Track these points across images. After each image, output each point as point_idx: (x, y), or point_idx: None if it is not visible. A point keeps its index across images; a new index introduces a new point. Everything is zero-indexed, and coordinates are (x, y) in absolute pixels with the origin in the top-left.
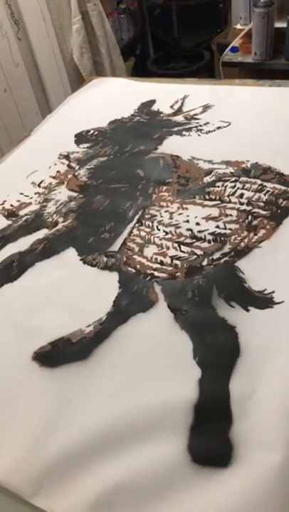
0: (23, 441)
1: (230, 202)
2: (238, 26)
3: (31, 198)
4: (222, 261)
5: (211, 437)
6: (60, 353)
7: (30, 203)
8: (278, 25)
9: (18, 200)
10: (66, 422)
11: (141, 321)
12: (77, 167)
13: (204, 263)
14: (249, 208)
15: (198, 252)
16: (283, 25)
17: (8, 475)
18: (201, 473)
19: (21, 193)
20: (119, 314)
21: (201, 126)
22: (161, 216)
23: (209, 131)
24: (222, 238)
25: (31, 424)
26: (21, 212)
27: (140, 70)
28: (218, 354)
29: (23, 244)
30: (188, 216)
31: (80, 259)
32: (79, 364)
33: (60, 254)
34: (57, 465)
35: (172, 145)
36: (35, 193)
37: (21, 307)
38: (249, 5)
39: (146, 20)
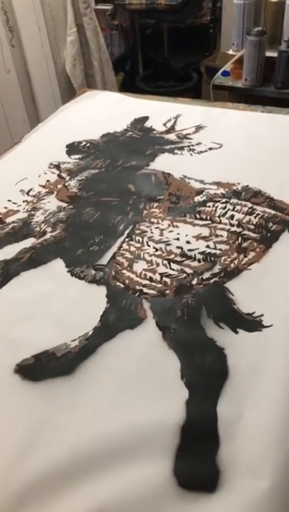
0: (2, 458)
1: (220, 223)
2: (230, 52)
3: (19, 205)
4: (212, 281)
5: (197, 461)
6: (44, 367)
7: (18, 211)
8: (269, 54)
9: (6, 207)
10: (48, 439)
11: (128, 338)
12: (67, 177)
13: (194, 282)
14: (239, 229)
15: (188, 270)
16: (274, 54)
17: None
18: (187, 498)
19: (9, 200)
20: (107, 330)
21: (193, 145)
22: (152, 232)
23: (201, 152)
24: (212, 258)
25: (11, 439)
26: (8, 220)
27: (128, 86)
28: (206, 376)
29: (9, 252)
30: (178, 234)
31: (68, 271)
32: (63, 379)
33: (47, 265)
34: (37, 484)
35: (164, 162)
36: (24, 201)
37: (4, 317)
38: (242, 32)
39: (138, 38)
